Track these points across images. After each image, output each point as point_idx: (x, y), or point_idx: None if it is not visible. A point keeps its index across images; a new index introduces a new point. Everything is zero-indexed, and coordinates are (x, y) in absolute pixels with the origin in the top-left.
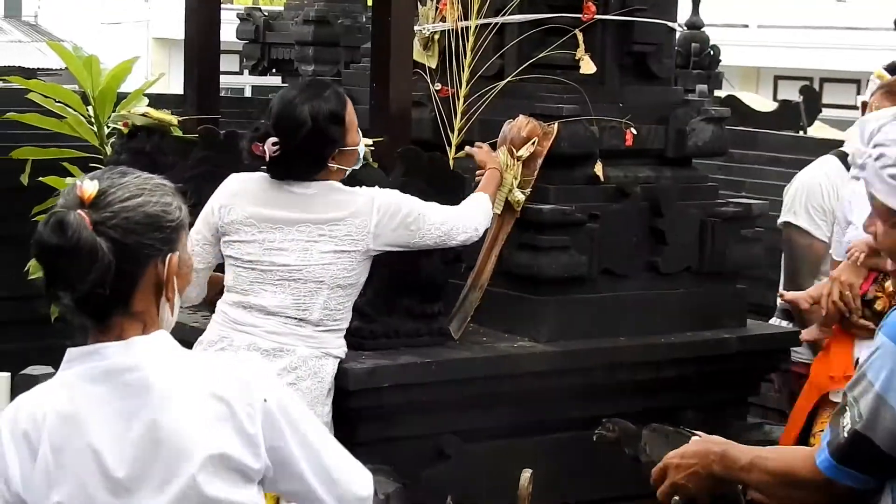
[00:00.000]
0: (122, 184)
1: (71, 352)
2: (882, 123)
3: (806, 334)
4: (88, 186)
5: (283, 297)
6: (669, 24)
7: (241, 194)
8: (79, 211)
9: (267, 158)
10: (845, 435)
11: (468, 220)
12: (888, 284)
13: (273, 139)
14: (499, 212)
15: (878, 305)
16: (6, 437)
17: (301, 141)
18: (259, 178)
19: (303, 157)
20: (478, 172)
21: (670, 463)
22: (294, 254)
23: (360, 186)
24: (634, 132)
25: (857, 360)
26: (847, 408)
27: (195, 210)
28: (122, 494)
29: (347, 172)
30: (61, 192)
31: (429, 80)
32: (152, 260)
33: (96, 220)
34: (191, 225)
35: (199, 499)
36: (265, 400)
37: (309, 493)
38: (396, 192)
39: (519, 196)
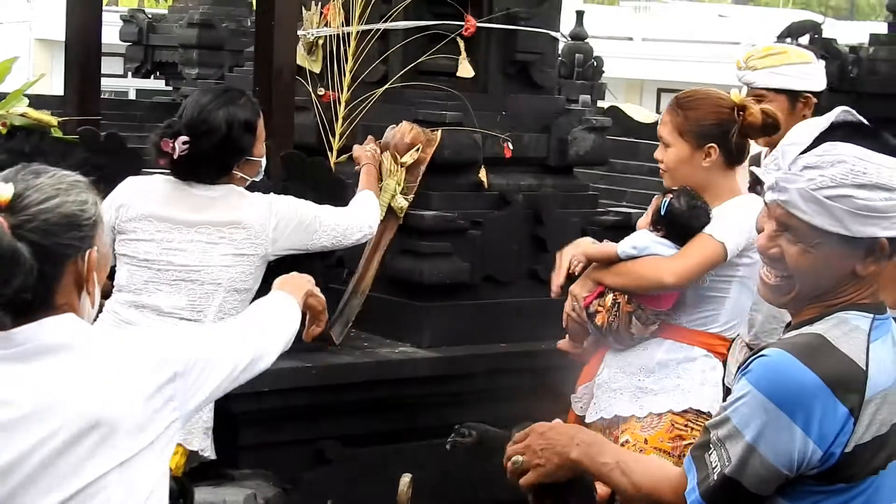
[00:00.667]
0: (38, 185)
1: None
2: (808, 146)
3: (559, 343)
4: (4, 190)
5: (179, 298)
6: (552, 33)
7: (140, 194)
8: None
9: (175, 156)
10: (715, 478)
11: (361, 218)
12: (608, 299)
13: (184, 138)
14: (381, 217)
15: (598, 320)
16: None
17: (212, 146)
18: (159, 179)
19: (210, 161)
20: (356, 168)
21: (535, 428)
22: (193, 255)
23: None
24: (511, 147)
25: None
26: (712, 446)
27: None
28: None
29: (248, 182)
30: None
31: (311, 86)
32: (71, 258)
33: (13, 224)
34: None
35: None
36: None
37: None
38: (292, 197)
39: (402, 202)
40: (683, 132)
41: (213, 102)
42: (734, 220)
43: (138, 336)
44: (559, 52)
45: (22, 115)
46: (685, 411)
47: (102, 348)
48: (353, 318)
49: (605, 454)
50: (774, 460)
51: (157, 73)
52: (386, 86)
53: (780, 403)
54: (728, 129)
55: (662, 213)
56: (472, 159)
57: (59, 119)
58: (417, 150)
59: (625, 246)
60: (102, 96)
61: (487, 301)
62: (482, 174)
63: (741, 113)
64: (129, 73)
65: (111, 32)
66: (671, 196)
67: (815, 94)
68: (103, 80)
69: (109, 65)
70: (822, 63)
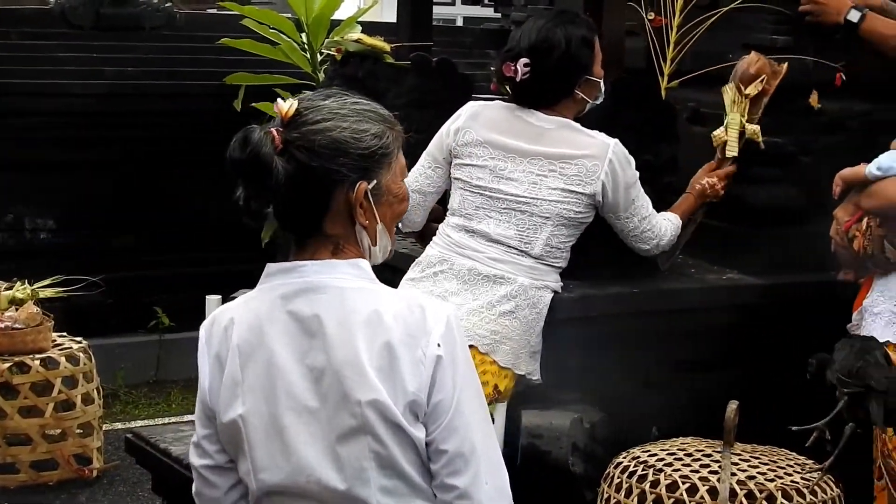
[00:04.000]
0: (319, 107)
1: (269, 267)
2: None
3: (840, 275)
4: (284, 105)
5: (507, 227)
6: None
7: (478, 119)
8: (273, 129)
9: (518, 79)
10: None
11: (662, 228)
12: (864, 223)
13: (525, 60)
14: (735, 154)
15: (855, 245)
16: (202, 347)
17: (553, 64)
18: (497, 105)
19: (552, 80)
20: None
21: None
22: (523, 185)
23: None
24: (844, 77)
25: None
26: None
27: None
28: (304, 415)
29: (587, 107)
30: None
31: (642, 9)
32: (340, 185)
33: (286, 140)
34: (410, 152)
35: (363, 440)
36: (439, 345)
37: (436, 451)
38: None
39: (754, 127)
40: None
41: (550, 22)
42: None
43: (411, 303)
44: None
45: (356, 41)
46: None
47: (368, 311)
48: (682, 246)
49: None
50: None
51: (486, 0)
52: (719, 11)
53: None
54: None
55: None
56: (803, 84)
57: (392, 45)
58: (762, 81)
59: (872, 166)
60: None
61: (817, 229)
62: (813, 99)
63: None
64: (458, 1)
65: None
66: None
67: None
68: (433, 8)
69: None
70: None
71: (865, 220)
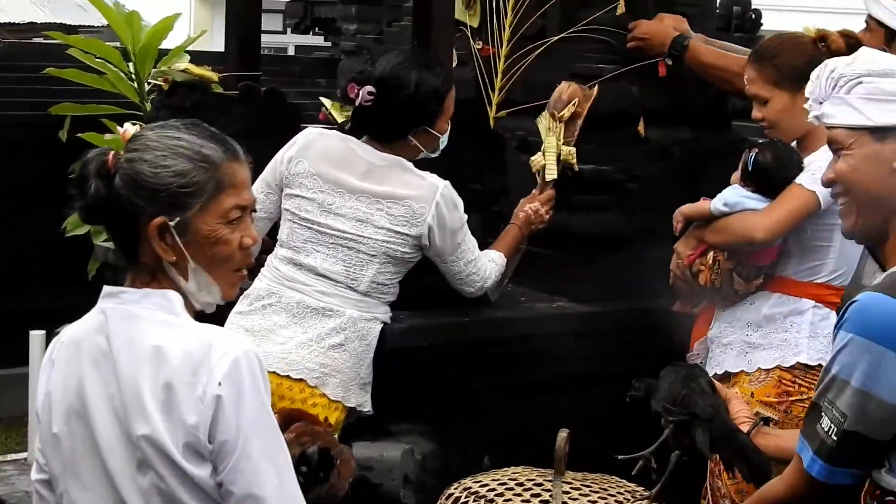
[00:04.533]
0: (141, 136)
1: (105, 288)
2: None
3: (675, 307)
4: (126, 130)
5: (334, 262)
6: None
7: (311, 149)
8: (113, 151)
9: (357, 103)
10: (834, 437)
11: (487, 271)
12: (709, 256)
13: (370, 88)
14: (555, 176)
15: (701, 279)
16: (46, 358)
17: (396, 103)
18: (334, 135)
19: (390, 118)
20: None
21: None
22: (350, 222)
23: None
24: (669, 62)
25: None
26: (823, 413)
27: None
28: (109, 442)
29: (420, 156)
30: None
31: (471, 40)
32: (140, 218)
33: (116, 163)
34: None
35: (149, 474)
36: (219, 384)
37: (226, 492)
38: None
39: (569, 148)
40: (778, 81)
41: (408, 62)
42: (825, 166)
43: (202, 340)
44: (717, 3)
45: (183, 71)
46: (793, 367)
47: (158, 346)
48: (511, 274)
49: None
50: (890, 398)
51: (317, 29)
52: (548, 40)
53: (881, 340)
54: (819, 63)
55: (749, 168)
56: (630, 112)
57: (220, 75)
58: (574, 104)
59: (717, 203)
60: (262, 53)
61: (645, 256)
62: (640, 126)
63: (824, 43)
64: (289, 30)
65: None
66: (756, 150)
67: None
68: (263, 37)
69: (269, 21)
70: None
71: (711, 253)
